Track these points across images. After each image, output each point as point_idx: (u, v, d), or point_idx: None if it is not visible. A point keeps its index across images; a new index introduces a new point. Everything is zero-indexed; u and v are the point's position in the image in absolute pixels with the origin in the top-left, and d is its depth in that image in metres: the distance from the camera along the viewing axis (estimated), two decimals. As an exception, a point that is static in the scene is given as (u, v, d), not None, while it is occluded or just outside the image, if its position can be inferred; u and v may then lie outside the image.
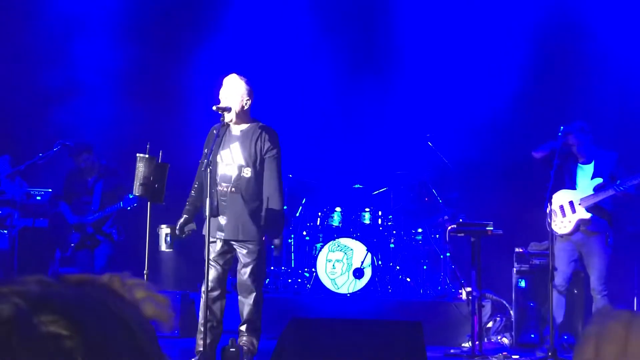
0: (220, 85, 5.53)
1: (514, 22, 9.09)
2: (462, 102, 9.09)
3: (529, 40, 8.93)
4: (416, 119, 8.99)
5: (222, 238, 5.48)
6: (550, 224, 6.39)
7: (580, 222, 6.46)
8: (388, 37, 9.42)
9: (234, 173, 5.48)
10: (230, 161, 5.50)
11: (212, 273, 5.44)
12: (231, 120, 5.47)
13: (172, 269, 8.37)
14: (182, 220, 5.58)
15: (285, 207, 8.63)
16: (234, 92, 5.44)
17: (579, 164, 6.55)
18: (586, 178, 6.54)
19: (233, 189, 5.47)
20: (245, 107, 5.48)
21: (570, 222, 6.45)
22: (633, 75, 8.63)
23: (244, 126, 5.54)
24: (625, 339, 0.73)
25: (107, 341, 0.63)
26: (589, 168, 6.55)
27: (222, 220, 5.48)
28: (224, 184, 5.48)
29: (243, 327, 5.55)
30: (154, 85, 9.20)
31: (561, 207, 6.48)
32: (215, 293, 5.47)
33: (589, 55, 8.85)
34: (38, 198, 7.90)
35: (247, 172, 5.48)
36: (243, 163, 5.48)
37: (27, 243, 7.76)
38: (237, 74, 5.57)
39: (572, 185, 6.48)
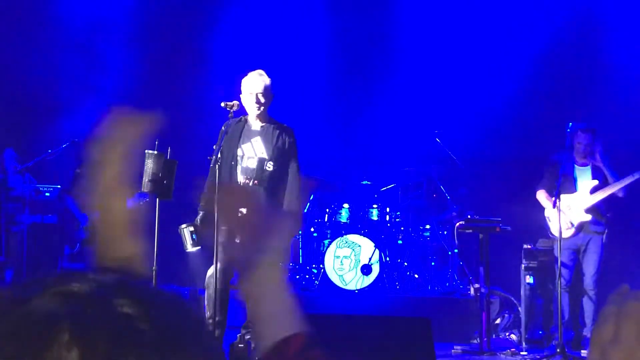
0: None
1: (522, 20, 9.06)
2: (470, 99, 9.08)
3: (539, 37, 8.90)
4: (424, 115, 8.97)
5: None
6: (549, 228, 6.60)
7: (582, 224, 6.61)
8: (397, 32, 9.40)
9: (256, 166, 5.52)
10: (252, 154, 5.55)
11: (220, 268, 5.43)
12: (258, 115, 5.51)
13: (181, 266, 8.38)
14: (201, 214, 5.59)
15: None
16: (269, 90, 5.56)
17: (576, 166, 6.66)
18: (586, 180, 6.69)
19: (256, 181, 5.50)
20: (269, 105, 5.62)
21: (572, 225, 6.60)
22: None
23: (264, 122, 5.60)
24: None
25: (177, 329, 0.67)
26: (587, 170, 6.69)
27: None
28: (245, 177, 5.50)
29: (251, 322, 5.54)
30: (163, 81, 9.21)
31: (554, 206, 6.58)
32: (221, 287, 5.48)
33: (600, 53, 8.82)
34: (47, 194, 7.93)
35: (270, 166, 5.53)
36: (266, 157, 5.54)
37: (36, 239, 7.79)
38: (253, 70, 5.65)
39: (572, 189, 6.60)
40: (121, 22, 9.29)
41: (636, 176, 6.52)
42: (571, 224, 6.64)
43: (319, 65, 9.40)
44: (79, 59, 9.01)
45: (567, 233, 6.57)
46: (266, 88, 5.54)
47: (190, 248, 5.52)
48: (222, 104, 5.45)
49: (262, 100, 5.53)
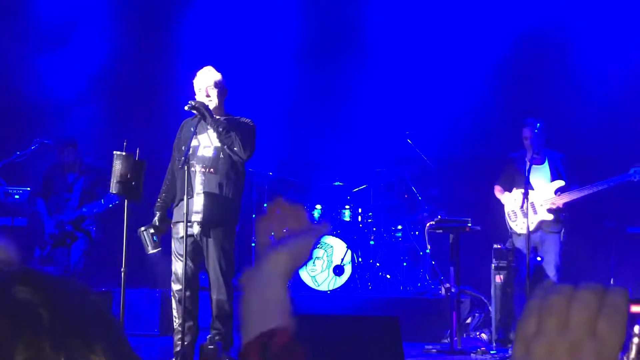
0: (192, 78, 5.58)
1: (491, 18, 9.13)
2: (441, 99, 9.13)
3: (508, 36, 8.97)
4: (395, 116, 9.01)
5: (199, 221, 5.43)
6: (509, 224, 6.66)
7: (542, 223, 6.64)
8: (367, 34, 9.43)
9: (212, 155, 5.51)
10: (209, 143, 5.54)
11: (187, 270, 5.39)
12: (212, 109, 5.51)
13: (151, 267, 8.34)
14: (158, 215, 5.57)
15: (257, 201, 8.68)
16: (219, 84, 5.54)
17: (533, 165, 6.67)
18: (544, 179, 6.70)
19: (211, 169, 5.49)
20: (223, 100, 5.60)
21: (532, 223, 6.60)
22: (612, 74, 8.69)
23: (220, 115, 5.58)
24: (566, 312, 0.73)
25: (76, 316, 0.66)
26: (544, 169, 6.72)
27: (199, 201, 5.44)
28: (201, 165, 5.49)
29: (218, 323, 5.51)
30: (131, 83, 9.16)
31: (521, 207, 6.59)
32: (190, 290, 5.44)
33: (569, 53, 8.91)
34: (16, 197, 7.84)
35: (226, 155, 5.51)
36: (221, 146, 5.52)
37: (5, 242, 7.70)
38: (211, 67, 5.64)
39: (528, 186, 6.53)
40: (93, 19, 9.23)
41: (610, 184, 6.50)
42: (531, 222, 6.59)
43: (290, 65, 9.40)
44: (47, 58, 8.94)
45: (525, 230, 6.53)
46: (216, 83, 5.53)
47: (151, 250, 5.47)
48: (187, 108, 5.42)
49: (212, 93, 5.51)
